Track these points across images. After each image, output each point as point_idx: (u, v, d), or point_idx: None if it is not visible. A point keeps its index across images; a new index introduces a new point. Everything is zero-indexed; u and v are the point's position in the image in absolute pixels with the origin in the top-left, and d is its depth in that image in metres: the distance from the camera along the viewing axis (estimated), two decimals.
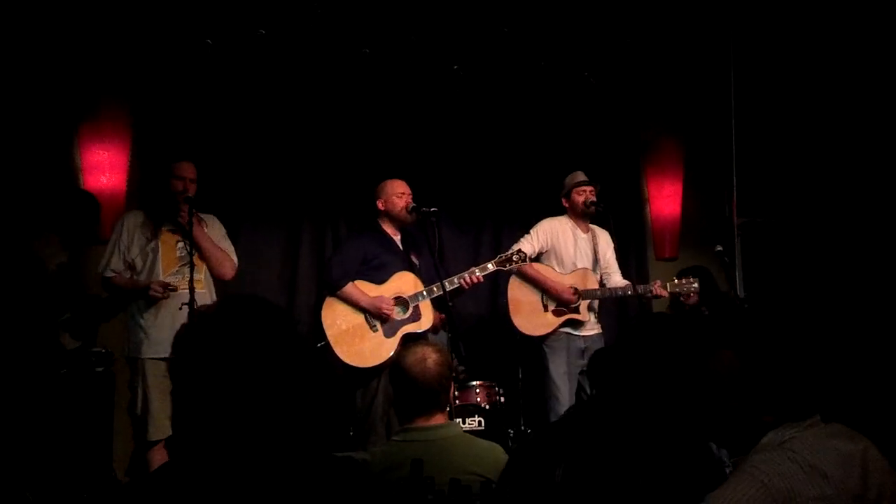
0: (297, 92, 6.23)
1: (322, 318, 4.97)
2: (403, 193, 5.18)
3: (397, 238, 5.25)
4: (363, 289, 5.04)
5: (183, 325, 1.65)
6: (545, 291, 5.44)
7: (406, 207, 5.12)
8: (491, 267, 5.18)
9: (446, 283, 4.95)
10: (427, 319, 5.13)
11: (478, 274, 5.13)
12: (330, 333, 4.91)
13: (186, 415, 1.56)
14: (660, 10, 6.76)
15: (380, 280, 5.08)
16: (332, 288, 5.00)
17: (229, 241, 5.09)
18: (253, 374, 1.54)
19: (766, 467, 1.87)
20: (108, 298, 5.10)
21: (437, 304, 5.94)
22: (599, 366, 2.36)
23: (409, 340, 5.00)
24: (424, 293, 5.07)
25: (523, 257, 5.22)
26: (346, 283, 4.99)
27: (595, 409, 2.32)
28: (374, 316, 4.99)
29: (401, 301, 5.09)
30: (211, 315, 1.61)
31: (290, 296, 6.18)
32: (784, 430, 1.96)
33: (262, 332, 1.58)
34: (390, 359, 4.82)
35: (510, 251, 5.27)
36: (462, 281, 5.08)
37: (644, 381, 2.16)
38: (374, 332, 5.00)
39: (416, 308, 5.09)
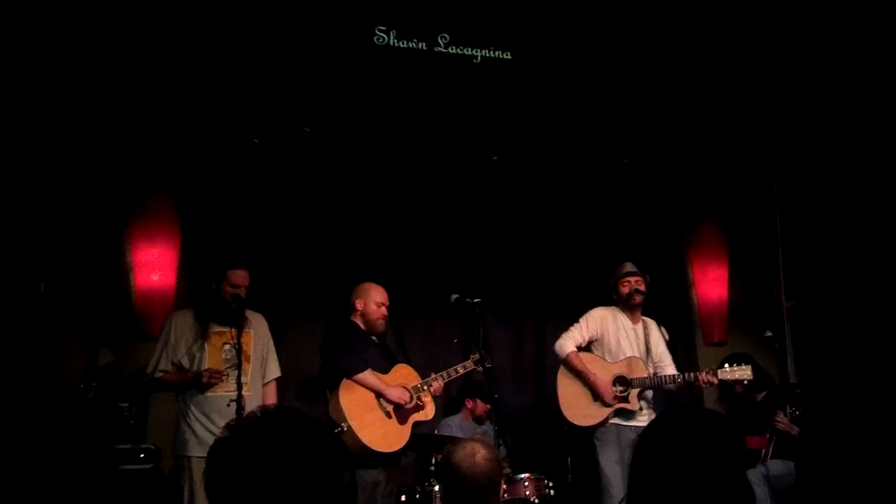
0: (340, 187, 6.37)
1: (342, 403, 4.86)
2: (382, 304, 5.23)
3: (372, 336, 5.28)
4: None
5: (216, 440, 1.66)
6: (588, 385, 5.39)
7: (383, 319, 5.21)
8: (470, 365, 5.25)
9: (444, 374, 5.21)
10: (431, 409, 5.21)
11: (460, 371, 5.27)
12: (354, 419, 4.83)
13: None
14: (699, 95, 6.85)
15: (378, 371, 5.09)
16: (349, 373, 4.94)
17: (273, 346, 5.10)
18: (288, 490, 1.55)
19: None
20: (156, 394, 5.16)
21: (483, 395, 5.91)
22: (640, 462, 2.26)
23: (417, 431, 5.10)
24: (424, 385, 5.14)
25: (488, 358, 5.21)
26: (366, 370, 4.98)
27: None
28: (388, 403, 4.99)
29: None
30: (247, 432, 1.62)
31: None
32: None
33: (297, 451, 1.59)
34: (406, 445, 5.00)
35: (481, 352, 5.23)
36: (451, 373, 5.25)
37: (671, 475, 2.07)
38: (388, 418, 4.99)
39: (420, 398, 5.12)
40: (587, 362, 5.43)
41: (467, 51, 6.50)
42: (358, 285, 5.30)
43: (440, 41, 6.43)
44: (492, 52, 6.53)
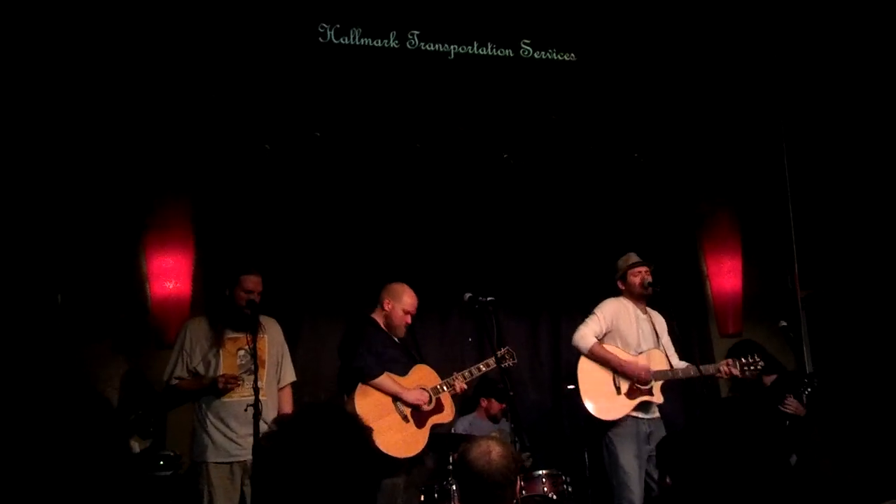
0: (352, 190, 6.39)
1: (357, 407, 4.84)
2: (409, 313, 5.22)
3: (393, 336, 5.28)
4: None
5: (264, 435, 1.70)
6: (617, 371, 5.32)
7: (404, 326, 5.21)
8: (492, 363, 5.19)
9: (466, 373, 5.17)
10: (450, 411, 5.18)
11: (482, 369, 5.23)
12: (371, 424, 4.76)
13: None
14: (709, 86, 6.82)
15: (397, 373, 5.08)
16: (366, 377, 4.93)
17: (287, 350, 5.12)
18: (332, 485, 1.58)
19: None
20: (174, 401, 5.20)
21: (497, 394, 5.92)
22: (672, 454, 2.28)
23: (436, 431, 5.07)
24: (444, 386, 5.11)
25: (513, 355, 5.26)
26: (382, 373, 4.97)
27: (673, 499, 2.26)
28: (406, 406, 4.98)
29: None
30: (292, 426, 1.65)
31: None
32: None
33: (341, 444, 1.62)
34: (424, 449, 4.97)
35: (504, 349, 5.27)
36: (474, 372, 5.22)
37: (721, 469, 2.09)
38: (405, 422, 4.98)
39: (439, 400, 5.10)
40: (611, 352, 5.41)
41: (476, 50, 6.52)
42: (391, 284, 5.28)
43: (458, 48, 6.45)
44: (495, 51, 6.54)
